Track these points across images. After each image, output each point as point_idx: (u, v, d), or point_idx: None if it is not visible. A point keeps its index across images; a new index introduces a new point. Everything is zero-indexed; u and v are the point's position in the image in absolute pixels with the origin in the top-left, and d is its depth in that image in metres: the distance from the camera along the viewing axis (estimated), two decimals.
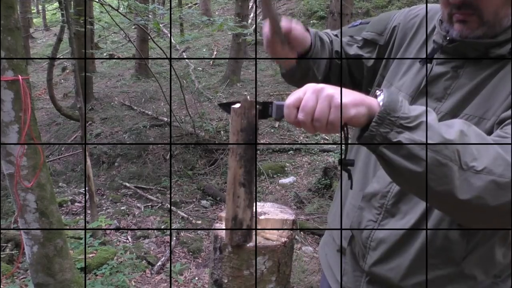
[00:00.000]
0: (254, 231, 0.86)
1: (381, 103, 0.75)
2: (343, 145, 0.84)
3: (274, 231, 0.88)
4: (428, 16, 1.08)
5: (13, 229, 3.99)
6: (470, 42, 0.92)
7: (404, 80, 1.04)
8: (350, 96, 0.75)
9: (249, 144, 0.76)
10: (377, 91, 0.81)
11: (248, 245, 0.80)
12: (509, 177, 0.71)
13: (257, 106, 0.78)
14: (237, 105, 0.76)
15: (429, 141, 0.71)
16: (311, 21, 12.41)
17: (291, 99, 0.78)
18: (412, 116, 0.74)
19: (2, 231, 4.02)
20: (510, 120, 0.82)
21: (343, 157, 0.85)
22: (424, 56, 1.02)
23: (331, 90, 0.75)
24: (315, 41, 1.12)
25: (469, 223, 0.87)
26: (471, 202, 0.72)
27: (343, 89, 0.76)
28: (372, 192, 1.03)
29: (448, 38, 0.95)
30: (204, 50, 12.14)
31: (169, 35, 12.93)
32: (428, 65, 1.00)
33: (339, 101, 0.74)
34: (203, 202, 5.33)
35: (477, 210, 0.74)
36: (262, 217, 0.89)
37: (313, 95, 0.76)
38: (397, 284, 0.99)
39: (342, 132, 0.79)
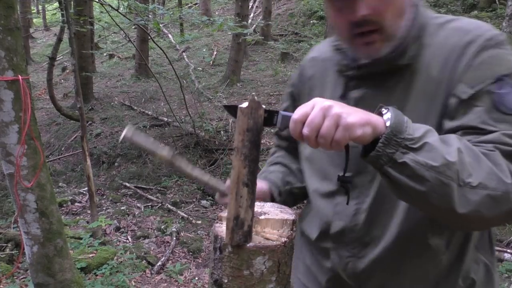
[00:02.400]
0: (254, 230, 0.86)
1: (387, 123, 0.77)
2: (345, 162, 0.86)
3: (274, 231, 0.88)
4: (318, 59, 1.12)
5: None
6: (377, 61, 0.94)
7: None
8: (357, 115, 0.76)
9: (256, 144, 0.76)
10: (382, 108, 0.82)
11: (248, 245, 0.80)
12: (502, 190, 0.76)
13: (264, 114, 0.78)
14: (244, 105, 0.76)
15: (433, 163, 0.75)
16: (311, 21, 12.42)
17: (298, 113, 0.78)
18: (417, 137, 0.76)
19: (2, 231, 4.02)
20: (472, 129, 0.84)
21: (342, 174, 0.88)
22: (339, 93, 1.03)
23: (338, 109, 0.76)
24: (277, 194, 1.15)
25: (466, 229, 0.93)
26: (468, 215, 0.77)
27: (349, 108, 0.77)
28: (338, 230, 1.03)
29: (351, 66, 0.98)
30: (204, 50, 12.14)
31: (169, 35, 12.95)
32: (340, 94, 1.02)
33: (346, 121, 0.75)
34: (203, 202, 5.34)
35: (474, 221, 0.79)
36: (262, 217, 0.89)
37: (321, 112, 0.76)
38: None
39: (345, 150, 0.82)
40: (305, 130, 0.77)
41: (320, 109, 0.76)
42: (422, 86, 0.92)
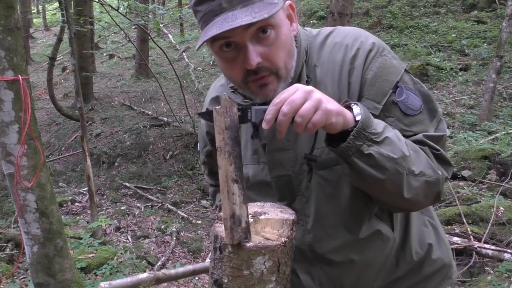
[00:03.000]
0: (253, 227, 0.86)
1: (358, 118, 0.84)
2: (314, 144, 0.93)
3: (274, 231, 0.88)
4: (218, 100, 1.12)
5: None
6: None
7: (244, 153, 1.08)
8: (334, 104, 0.82)
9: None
10: (352, 104, 0.87)
11: (248, 245, 0.80)
12: (435, 177, 0.92)
13: (237, 112, 0.80)
14: (218, 106, 0.78)
15: (393, 155, 0.86)
16: (311, 21, 12.42)
17: (281, 96, 0.81)
18: (379, 132, 0.85)
19: (2, 231, 4.03)
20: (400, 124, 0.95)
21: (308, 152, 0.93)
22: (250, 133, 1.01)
23: (319, 94, 0.81)
24: None
25: (404, 211, 1.07)
26: (411, 199, 0.90)
27: (328, 97, 0.82)
28: (297, 250, 1.07)
29: (253, 103, 0.98)
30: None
31: (169, 35, 12.95)
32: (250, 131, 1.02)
33: (326, 106, 0.80)
34: (203, 202, 5.34)
35: (413, 204, 0.94)
36: (262, 217, 0.89)
37: (303, 94, 0.79)
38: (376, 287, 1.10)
39: (315, 133, 0.88)
40: (285, 108, 0.78)
41: (303, 92, 0.80)
42: None
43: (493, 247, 3.44)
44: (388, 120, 0.94)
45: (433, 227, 1.15)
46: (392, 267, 1.09)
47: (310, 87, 0.81)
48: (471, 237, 3.50)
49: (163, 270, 1.05)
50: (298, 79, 0.97)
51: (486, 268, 3.34)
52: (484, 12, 10.36)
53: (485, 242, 3.54)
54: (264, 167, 1.05)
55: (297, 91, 0.80)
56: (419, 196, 0.91)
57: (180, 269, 1.03)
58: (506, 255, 3.35)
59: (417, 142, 0.94)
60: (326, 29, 1.04)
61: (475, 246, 3.45)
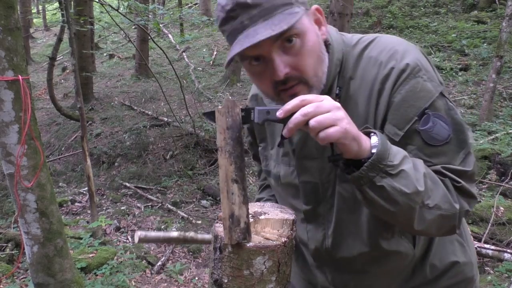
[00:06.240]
0: (253, 227, 0.86)
1: (374, 150, 0.82)
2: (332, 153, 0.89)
3: (274, 231, 0.88)
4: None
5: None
6: None
7: (273, 151, 1.12)
8: (354, 129, 0.81)
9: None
10: (371, 132, 0.85)
11: (248, 245, 0.80)
12: (451, 212, 0.88)
13: (241, 112, 0.80)
14: (220, 106, 0.79)
15: (406, 190, 0.83)
16: None
17: (307, 97, 0.80)
18: (396, 164, 0.83)
19: (2, 231, 4.02)
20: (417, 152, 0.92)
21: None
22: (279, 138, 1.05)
23: (344, 114, 0.80)
24: None
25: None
26: (422, 231, 0.89)
27: (352, 121, 0.81)
28: (314, 250, 1.12)
29: None
30: (204, 50, 12.14)
31: (169, 35, 12.95)
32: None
33: (346, 126, 0.78)
34: (203, 202, 5.33)
35: (424, 234, 0.96)
36: (262, 217, 0.89)
37: (330, 105, 0.79)
38: None
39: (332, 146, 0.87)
40: (308, 109, 0.78)
41: (331, 104, 0.79)
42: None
43: (493, 247, 3.44)
44: (409, 148, 0.91)
45: (460, 244, 1.11)
46: (407, 276, 1.09)
47: (338, 104, 0.80)
48: (471, 237, 3.50)
49: (192, 234, 1.09)
50: (329, 90, 0.96)
51: (486, 268, 3.34)
52: (484, 12, 10.35)
53: (485, 242, 3.54)
54: (294, 170, 1.07)
55: (326, 99, 0.80)
56: (431, 228, 0.89)
57: (207, 236, 1.09)
58: (506, 255, 3.35)
59: (437, 173, 0.90)
60: (367, 38, 1.00)
61: (475, 246, 3.45)
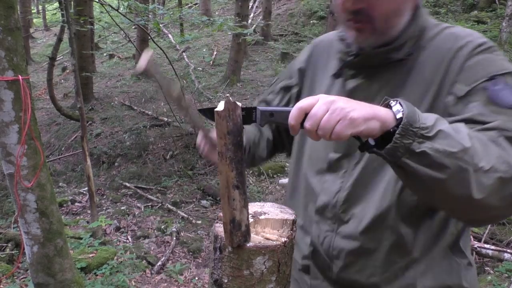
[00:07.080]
0: (253, 227, 0.86)
1: (399, 115, 0.76)
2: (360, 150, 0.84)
3: (274, 231, 0.88)
4: (325, 45, 1.20)
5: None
6: (371, 53, 1.00)
7: None
8: (362, 110, 0.76)
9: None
10: (391, 101, 0.80)
11: (248, 245, 0.80)
12: (511, 173, 0.76)
13: (241, 112, 0.75)
14: (220, 107, 0.73)
15: (451, 149, 0.74)
16: (311, 21, 12.42)
17: (303, 102, 0.78)
18: (430, 125, 0.76)
19: (2, 231, 4.02)
20: (468, 115, 0.86)
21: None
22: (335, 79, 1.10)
23: (342, 103, 0.76)
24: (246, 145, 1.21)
25: (471, 219, 0.88)
26: (482, 200, 0.76)
27: (355, 103, 0.77)
28: (322, 205, 1.09)
29: (351, 54, 1.04)
30: (204, 50, 12.14)
31: (169, 35, 12.95)
32: (339, 83, 1.08)
33: (350, 115, 0.75)
34: (203, 202, 5.33)
35: (486, 207, 0.78)
36: (262, 217, 0.89)
37: (324, 106, 0.76)
38: (365, 283, 1.04)
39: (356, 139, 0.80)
40: (307, 123, 0.77)
41: (324, 104, 0.76)
42: (414, 85, 0.98)
43: (493, 247, 3.45)
44: (471, 105, 0.86)
45: (467, 265, 1.04)
46: (399, 272, 1.03)
47: (332, 98, 0.77)
48: (471, 237, 3.50)
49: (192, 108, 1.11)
50: (400, 47, 0.98)
51: (486, 268, 3.34)
52: (484, 12, 10.35)
53: (485, 242, 3.54)
54: None
55: (319, 101, 0.77)
56: (493, 197, 0.76)
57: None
58: (506, 255, 3.35)
59: (493, 129, 0.81)
60: (447, 24, 1.04)
61: (475, 246, 3.45)
